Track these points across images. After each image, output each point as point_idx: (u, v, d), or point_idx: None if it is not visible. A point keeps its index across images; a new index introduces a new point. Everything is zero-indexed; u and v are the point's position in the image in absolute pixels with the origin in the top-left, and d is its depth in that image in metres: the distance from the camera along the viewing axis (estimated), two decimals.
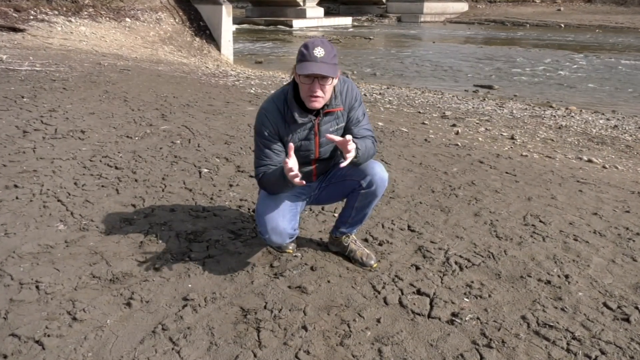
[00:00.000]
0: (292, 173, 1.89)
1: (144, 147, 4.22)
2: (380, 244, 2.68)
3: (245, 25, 36.34)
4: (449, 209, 3.21)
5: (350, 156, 1.94)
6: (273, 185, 2.09)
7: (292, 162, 1.90)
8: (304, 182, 1.96)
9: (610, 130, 7.91)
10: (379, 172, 2.21)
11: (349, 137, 1.92)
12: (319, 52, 1.90)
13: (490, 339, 1.93)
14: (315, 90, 1.95)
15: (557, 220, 3.11)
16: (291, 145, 1.92)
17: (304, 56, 1.91)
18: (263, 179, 2.11)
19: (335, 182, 2.34)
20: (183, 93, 6.92)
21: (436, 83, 14.33)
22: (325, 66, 1.90)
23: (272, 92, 2.38)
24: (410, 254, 2.60)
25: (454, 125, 6.78)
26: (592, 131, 7.66)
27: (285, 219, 2.18)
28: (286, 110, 2.07)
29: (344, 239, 2.48)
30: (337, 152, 2.34)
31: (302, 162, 2.12)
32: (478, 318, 2.06)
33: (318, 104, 2.00)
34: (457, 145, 5.11)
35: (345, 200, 2.39)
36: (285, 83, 2.23)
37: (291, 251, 2.53)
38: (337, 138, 1.96)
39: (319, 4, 41.97)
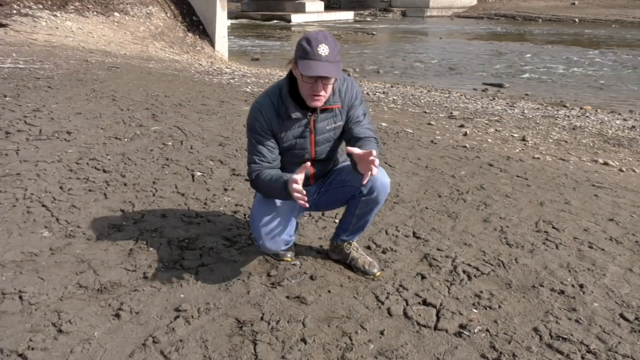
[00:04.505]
0: (296, 187, 1.86)
1: (133, 149, 4.24)
2: (383, 252, 2.69)
3: (241, 20, 36.45)
4: (456, 215, 3.22)
5: (374, 173, 1.82)
6: (270, 191, 2.10)
7: (300, 179, 1.88)
8: (307, 205, 1.90)
9: (627, 131, 7.92)
10: (381, 177, 2.20)
11: (375, 152, 1.82)
12: (323, 50, 1.89)
13: (501, 352, 1.93)
14: (319, 90, 1.97)
15: (571, 227, 3.12)
16: (307, 164, 1.89)
17: (307, 54, 1.90)
18: (257, 179, 2.11)
19: (334, 187, 2.35)
20: (175, 92, 6.95)
21: (443, 81, 14.36)
22: (331, 66, 1.90)
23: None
24: (416, 262, 2.61)
25: (461, 126, 6.80)
26: (608, 132, 7.68)
27: (281, 224, 2.19)
28: (281, 106, 2.09)
29: (345, 246, 2.49)
30: (336, 155, 2.36)
31: (298, 162, 2.13)
32: (487, 330, 2.06)
33: (320, 102, 2.03)
34: (465, 147, 5.12)
35: (345, 206, 2.39)
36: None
37: (289, 259, 2.54)
38: (357, 150, 1.87)
39: None
